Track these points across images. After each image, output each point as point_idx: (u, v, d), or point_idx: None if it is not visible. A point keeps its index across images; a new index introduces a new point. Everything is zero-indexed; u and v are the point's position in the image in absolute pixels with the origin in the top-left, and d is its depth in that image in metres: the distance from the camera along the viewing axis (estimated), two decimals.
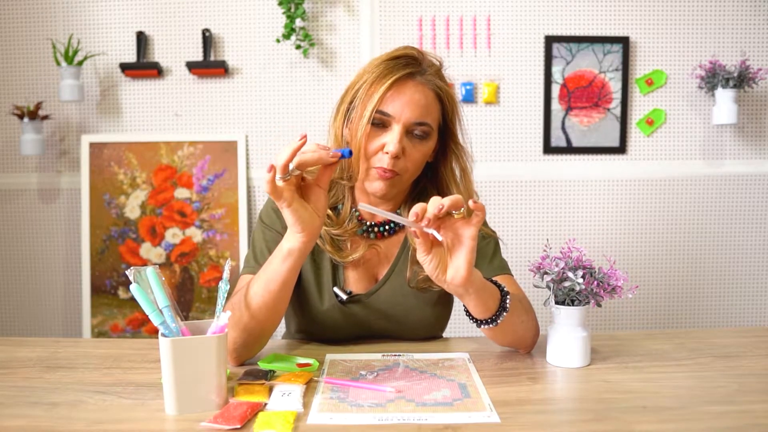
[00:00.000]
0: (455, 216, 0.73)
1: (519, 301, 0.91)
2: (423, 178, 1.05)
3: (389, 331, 1.03)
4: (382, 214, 0.73)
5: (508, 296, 0.84)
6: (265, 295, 0.84)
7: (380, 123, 0.93)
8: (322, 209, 0.81)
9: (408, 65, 0.94)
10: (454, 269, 0.74)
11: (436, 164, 1.04)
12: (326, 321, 1.00)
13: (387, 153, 0.91)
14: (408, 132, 0.93)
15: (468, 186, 1.02)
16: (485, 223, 1.08)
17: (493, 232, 1.08)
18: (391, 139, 0.92)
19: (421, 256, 0.75)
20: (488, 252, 1.03)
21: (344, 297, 0.99)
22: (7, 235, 2.13)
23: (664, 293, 2.16)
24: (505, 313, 0.83)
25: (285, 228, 0.99)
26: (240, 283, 0.96)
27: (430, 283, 0.99)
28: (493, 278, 0.89)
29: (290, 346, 0.99)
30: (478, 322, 0.84)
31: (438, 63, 0.99)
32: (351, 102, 0.96)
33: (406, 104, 0.92)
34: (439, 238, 0.71)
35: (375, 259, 1.03)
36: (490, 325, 0.83)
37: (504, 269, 1.03)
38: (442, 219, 0.73)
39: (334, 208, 1.01)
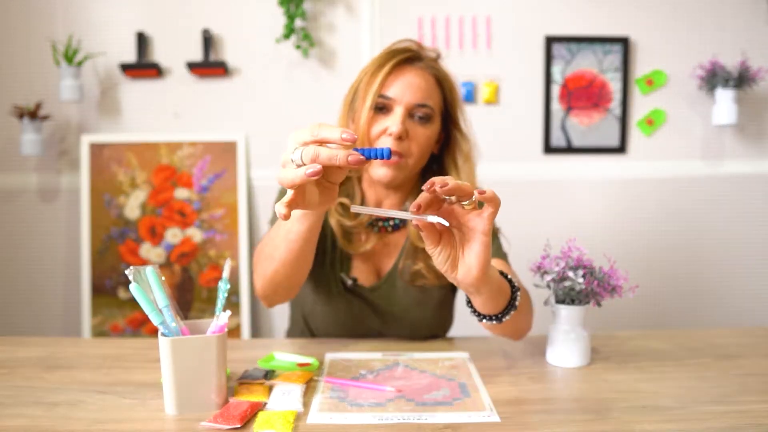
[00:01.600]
0: (465, 207, 0.64)
1: (525, 295, 0.89)
2: (429, 170, 1.05)
3: (390, 328, 1.03)
4: (379, 213, 0.65)
5: (518, 293, 0.77)
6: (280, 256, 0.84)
7: (382, 107, 0.95)
8: (330, 202, 0.77)
9: (406, 52, 0.97)
10: (466, 268, 0.65)
11: (440, 155, 1.06)
12: (328, 311, 1.01)
13: (390, 135, 0.92)
14: (410, 115, 0.95)
15: (469, 172, 1.02)
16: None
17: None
18: (393, 120, 0.93)
19: (430, 248, 0.66)
20: None
21: (350, 282, 1.00)
22: (6, 235, 2.12)
23: (664, 293, 2.16)
24: (513, 311, 0.76)
25: None
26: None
27: (423, 280, 1.00)
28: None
29: (290, 346, 0.99)
30: (481, 317, 0.77)
31: (436, 54, 1.01)
32: (353, 96, 0.98)
33: (406, 87, 0.94)
34: (445, 223, 0.63)
35: (383, 251, 1.03)
36: (493, 322, 0.76)
37: (499, 253, 1.02)
38: (451, 210, 0.65)
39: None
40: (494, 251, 1.01)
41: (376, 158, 0.59)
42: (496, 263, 0.96)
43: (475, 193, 0.60)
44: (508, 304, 0.76)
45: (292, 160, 0.60)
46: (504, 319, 0.76)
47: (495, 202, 0.62)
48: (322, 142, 0.59)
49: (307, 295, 1.04)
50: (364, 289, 1.01)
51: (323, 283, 1.01)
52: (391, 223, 1.03)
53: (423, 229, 0.64)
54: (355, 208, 0.62)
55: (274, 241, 0.84)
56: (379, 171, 0.95)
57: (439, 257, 0.65)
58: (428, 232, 0.64)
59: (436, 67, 0.99)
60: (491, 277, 0.68)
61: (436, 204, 0.63)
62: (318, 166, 0.56)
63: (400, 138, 0.92)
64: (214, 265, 2.07)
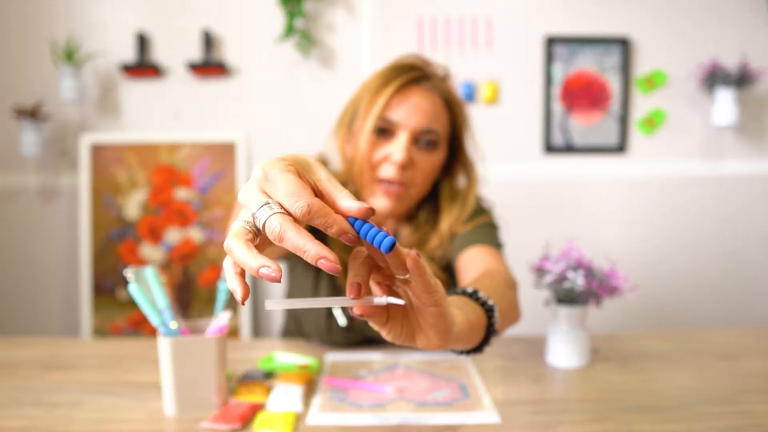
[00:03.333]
0: (400, 279, 0.48)
1: (508, 311, 0.71)
2: (426, 196, 0.99)
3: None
4: (307, 304, 0.44)
5: (495, 315, 0.60)
6: None
7: (385, 131, 0.88)
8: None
9: (413, 70, 0.90)
10: (425, 339, 0.50)
11: (438, 180, 0.99)
12: (328, 341, 0.98)
13: (394, 163, 0.86)
14: (415, 141, 0.88)
15: (464, 204, 0.96)
16: (486, 213, 1.00)
17: (489, 212, 1.01)
18: (397, 147, 0.86)
19: (378, 329, 0.50)
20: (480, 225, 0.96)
21: (344, 322, 0.95)
22: (6, 236, 2.12)
23: (664, 293, 2.16)
24: (493, 337, 0.61)
25: None
26: None
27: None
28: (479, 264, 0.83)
29: (290, 346, 0.99)
30: (458, 353, 0.62)
31: (444, 71, 0.95)
32: (353, 114, 0.92)
33: (412, 110, 0.87)
34: (400, 302, 0.47)
35: None
36: (474, 354, 0.62)
37: (490, 241, 0.93)
38: (391, 277, 0.49)
39: None
40: (486, 240, 0.93)
41: (371, 243, 0.42)
42: (484, 252, 0.88)
43: (407, 261, 0.44)
44: (487, 332, 0.60)
45: (253, 217, 0.40)
46: (485, 349, 0.62)
47: (417, 269, 0.44)
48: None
49: (305, 322, 1.00)
50: (361, 323, 0.96)
51: (321, 320, 0.96)
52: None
53: (368, 316, 0.46)
54: (270, 305, 0.43)
55: None
56: (379, 201, 0.89)
57: (390, 335, 0.50)
58: (374, 316, 0.47)
59: (445, 88, 0.92)
60: (458, 331, 0.53)
61: (377, 276, 0.48)
62: (276, 273, 0.38)
63: (403, 167, 0.87)
64: (214, 266, 2.06)
